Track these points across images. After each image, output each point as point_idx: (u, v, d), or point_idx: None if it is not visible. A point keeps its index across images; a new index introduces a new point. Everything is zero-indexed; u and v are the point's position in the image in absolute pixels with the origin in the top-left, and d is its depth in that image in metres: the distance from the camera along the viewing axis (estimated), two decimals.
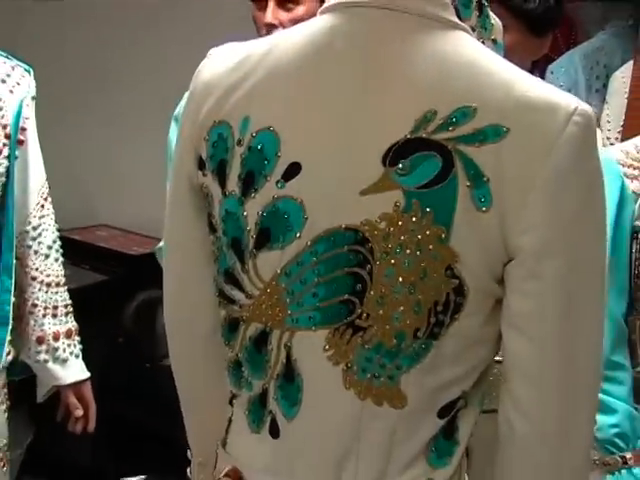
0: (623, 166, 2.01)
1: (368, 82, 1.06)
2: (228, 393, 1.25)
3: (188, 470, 1.45)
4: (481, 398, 1.16)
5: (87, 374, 2.16)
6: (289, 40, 1.13)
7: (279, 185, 1.08)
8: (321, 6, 2.22)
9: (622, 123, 2.56)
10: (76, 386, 2.14)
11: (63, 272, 2.13)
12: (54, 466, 3.39)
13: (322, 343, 1.09)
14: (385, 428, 1.10)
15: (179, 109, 2.29)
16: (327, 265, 1.07)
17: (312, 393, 1.12)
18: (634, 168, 2.01)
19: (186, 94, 2.25)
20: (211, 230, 1.17)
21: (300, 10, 2.16)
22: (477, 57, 1.05)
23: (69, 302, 2.14)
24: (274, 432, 1.16)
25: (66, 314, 2.12)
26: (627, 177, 2.00)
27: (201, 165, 1.17)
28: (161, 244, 2.30)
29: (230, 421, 1.24)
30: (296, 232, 1.08)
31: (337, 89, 1.07)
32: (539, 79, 1.07)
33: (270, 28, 2.16)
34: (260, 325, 1.14)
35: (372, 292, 1.05)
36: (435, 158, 1.01)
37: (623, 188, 1.98)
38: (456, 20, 1.08)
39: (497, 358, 1.19)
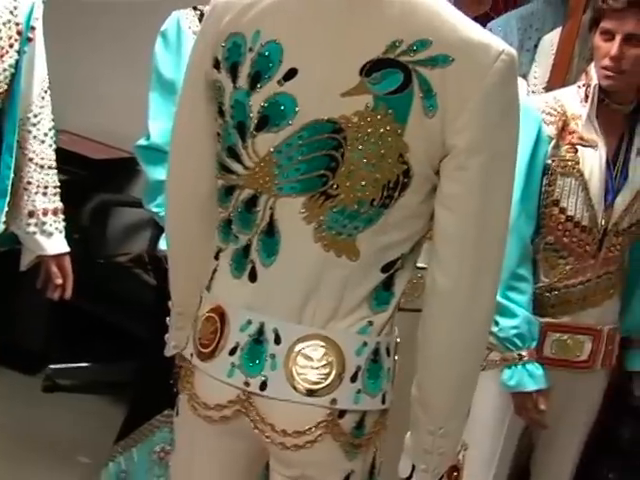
0: (542, 113, 2.38)
1: (353, 13, 1.42)
2: (214, 249, 1.59)
3: (167, 319, 1.76)
4: (413, 265, 1.53)
5: (68, 248, 2.46)
6: None
7: (279, 84, 1.44)
8: None
9: (547, 79, 2.94)
10: (58, 257, 2.43)
11: (55, 157, 2.43)
12: (5, 348, 3.65)
13: (299, 207, 1.45)
14: (341, 275, 1.46)
15: (166, 26, 2.59)
16: (310, 147, 1.43)
17: (287, 245, 1.47)
18: (551, 115, 2.39)
19: (174, 13, 2.59)
20: (220, 115, 1.52)
21: None
22: (435, 5, 1.42)
23: (58, 184, 2.44)
24: (253, 277, 1.51)
25: (54, 194, 2.42)
26: (544, 122, 2.38)
27: (216, 64, 1.51)
28: (141, 142, 2.61)
29: (215, 271, 1.58)
30: (289, 120, 1.43)
31: (330, 17, 1.42)
32: (477, 25, 1.43)
33: None
34: (252, 191, 1.49)
35: (343, 169, 1.41)
36: (399, 74, 1.38)
37: (540, 130, 2.36)
38: None
39: (420, 265, 1.56)
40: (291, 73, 1.43)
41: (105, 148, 4.20)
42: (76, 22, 4.20)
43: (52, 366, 3.86)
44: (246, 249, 1.52)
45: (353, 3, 1.42)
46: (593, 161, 2.39)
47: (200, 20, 2.55)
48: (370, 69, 1.39)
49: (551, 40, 2.94)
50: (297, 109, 1.42)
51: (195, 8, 2.60)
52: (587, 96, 2.39)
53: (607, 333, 2.51)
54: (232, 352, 1.51)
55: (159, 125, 2.54)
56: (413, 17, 1.39)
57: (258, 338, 1.50)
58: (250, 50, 1.46)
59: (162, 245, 2.56)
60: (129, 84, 4.00)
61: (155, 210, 2.55)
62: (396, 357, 1.56)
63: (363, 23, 1.41)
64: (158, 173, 2.52)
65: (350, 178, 1.42)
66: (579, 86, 2.45)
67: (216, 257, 1.58)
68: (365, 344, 1.49)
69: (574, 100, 2.43)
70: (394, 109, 1.38)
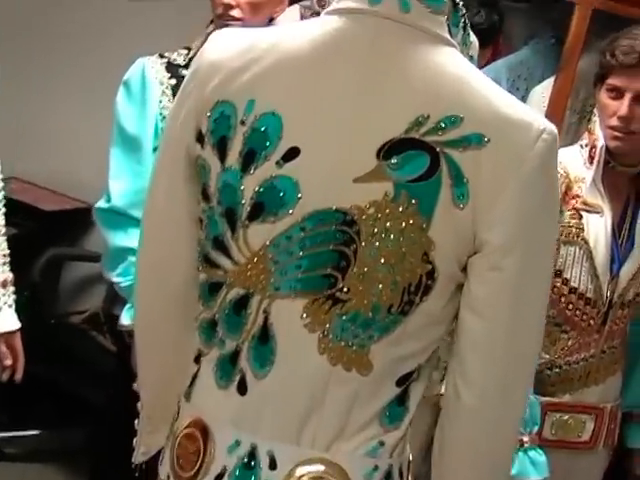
0: None
1: (369, 82, 1.19)
2: (194, 351, 1.35)
3: (136, 422, 1.53)
4: (429, 373, 1.31)
5: (18, 325, 2.21)
6: (296, 35, 1.24)
7: (278, 165, 1.20)
8: None
9: None
10: (8, 335, 2.19)
11: (4, 222, 2.18)
12: None
13: (300, 311, 1.21)
14: (349, 392, 1.23)
15: (128, 75, 2.34)
16: (313, 240, 1.20)
17: (285, 355, 1.24)
18: None
19: (138, 60, 2.35)
20: (204, 199, 1.28)
21: None
22: (465, 73, 1.20)
23: (7, 252, 2.19)
24: (242, 389, 1.27)
25: (3, 264, 2.17)
26: None
27: (200, 138, 1.27)
28: (100, 204, 2.36)
29: (195, 377, 1.34)
30: (289, 208, 1.20)
31: (340, 85, 1.19)
32: (513, 97, 1.22)
33: (226, 9, 2.23)
34: (242, 290, 1.25)
35: (355, 269, 1.18)
36: (424, 157, 1.15)
37: None
38: (449, 38, 1.23)
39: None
40: (292, 153, 1.20)
41: (58, 197, 3.95)
42: (26, 57, 3.92)
43: None
44: (234, 356, 1.28)
45: (369, 69, 1.19)
46: (598, 228, 2.22)
47: (168, 69, 2.32)
48: (389, 151, 1.16)
49: (542, 92, 2.76)
50: (299, 196, 1.19)
51: (162, 56, 2.36)
52: (592, 157, 2.21)
53: (610, 411, 2.36)
54: (218, 478, 1.27)
55: (121, 185, 2.29)
56: (440, 88, 1.17)
57: (249, 462, 1.26)
58: (242, 123, 1.22)
59: (124, 319, 2.30)
60: (85, 126, 3.77)
61: (116, 280, 2.29)
62: (410, 478, 1.34)
63: (381, 94, 1.18)
64: (119, 239, 2.27)
65: (364, 280, 1.19)
66: (582, 146, 2.28)
67: (196, 360, 1.35)
68: (376, 468, 1.26)
69: (577, 161, 2.25)
70: (418, 199, 1.16)
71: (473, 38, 1.33)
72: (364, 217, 1.17)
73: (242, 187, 1.22)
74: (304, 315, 1.22)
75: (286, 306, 1.23)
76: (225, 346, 1.29)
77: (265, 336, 1.24)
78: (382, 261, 1.17)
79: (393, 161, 1.16)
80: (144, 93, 2.31)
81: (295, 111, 1.20)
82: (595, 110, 2.50)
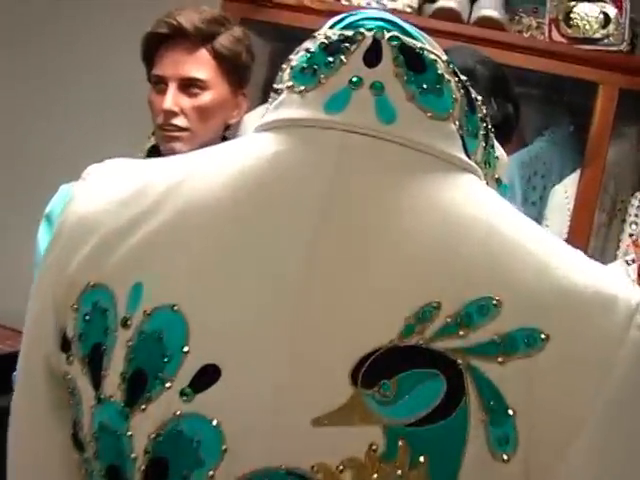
0: None
1: (332, 251, 0.70)
2: None
3: None
4: None
5: None
6: (212, 167, 0.76)
7: (184, 396, 0.70)
8: (235, 94, 1.88)
9: (564, 240, 2.29)
10: None
11: None
12: None
13: None
14: None
15: (51, 207, 1.89)
16: None
17: None
18: None
19: (62, 188, 1.89)
20: (77, 447, 0.78)
21: (206, 97, 1.81)
22: (497, 218, 0.71)
23: None
24: None
25: None
26: None
27: (65, 346, 0.78)
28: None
29: None
30: (208, 469, 0.70)
31: (283, 256, 0.70)
32: (579, 252, 0.73)
33: (169, 116, 1.80)
34: None
35: None
36: (437, 378, 0.66)
37: None
38: (464, 158, 0.74)
39: None
40: (207, 375, 0.70)
41: (13, 335, 3.48)
42: None
43: None
44: None
45: (330, 226, 0.70)
46: None
47: None
48: (373, 370, 0.66)
49: (564, 191, 2.28)
50: (224, 447, 0.69)
51: None
52: None
53: None
54: None
55: None
56: (455, 250, 0.68)
57: None
58: (124, 324, 0.73)
59: None
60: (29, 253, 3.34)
61: None
62: None
63: (353, 271, 0.69)
64: None
65: None
66: (627, 262, 1.82)
67: None
68: None
69: None
70: (430, 454, 0.65)
71: (500, 152, 0.84)
72: None
73: (129, 433, 0.72)
74: None
75: None
76: None
77: None
78: None
79: (381, 389, 0.66)
80: None
81: (208, 303, 0.71)
82: (630, 210, 2.07)
